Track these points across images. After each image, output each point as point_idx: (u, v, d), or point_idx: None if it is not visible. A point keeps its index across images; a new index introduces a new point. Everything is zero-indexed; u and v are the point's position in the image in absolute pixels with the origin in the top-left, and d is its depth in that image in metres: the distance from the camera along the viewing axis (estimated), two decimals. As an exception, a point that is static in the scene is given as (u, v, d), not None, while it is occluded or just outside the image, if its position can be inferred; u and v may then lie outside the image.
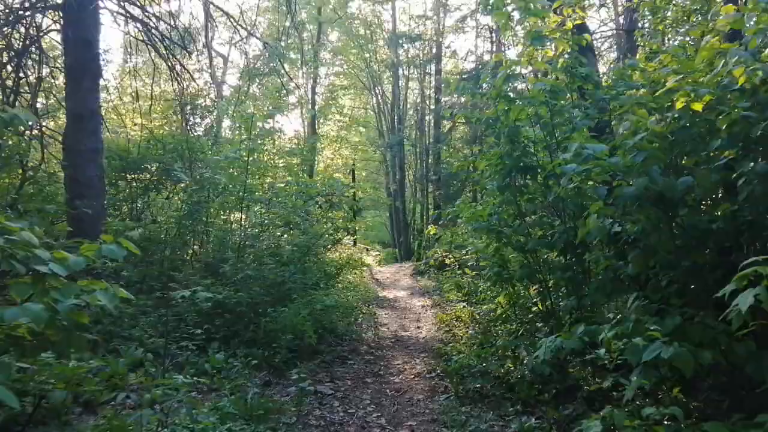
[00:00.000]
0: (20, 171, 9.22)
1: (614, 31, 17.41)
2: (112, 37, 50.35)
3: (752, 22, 4.15)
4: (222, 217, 9.18)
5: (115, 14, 12.57)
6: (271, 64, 13.79)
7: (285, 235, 8.39)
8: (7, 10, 9.68)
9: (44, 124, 10.80)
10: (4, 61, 9.71)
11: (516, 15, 6.55)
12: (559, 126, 6.46)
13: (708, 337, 3.49)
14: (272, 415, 4.81)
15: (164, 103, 12.61)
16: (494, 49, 24.44)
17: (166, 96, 13.33)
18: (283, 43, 21.84)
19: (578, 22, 6.48)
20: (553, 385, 5.31)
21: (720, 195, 4.30)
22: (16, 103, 9.93)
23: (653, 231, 4.17)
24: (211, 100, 17.94)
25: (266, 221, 8.51)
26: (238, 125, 13.03)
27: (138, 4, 11.43)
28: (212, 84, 29.54)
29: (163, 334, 6.92)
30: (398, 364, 6.62)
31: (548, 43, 6.27)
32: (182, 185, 10.16)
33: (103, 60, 11.73)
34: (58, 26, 10.19)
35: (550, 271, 6.50)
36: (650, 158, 3.89)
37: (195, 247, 9.29)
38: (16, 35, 9.90)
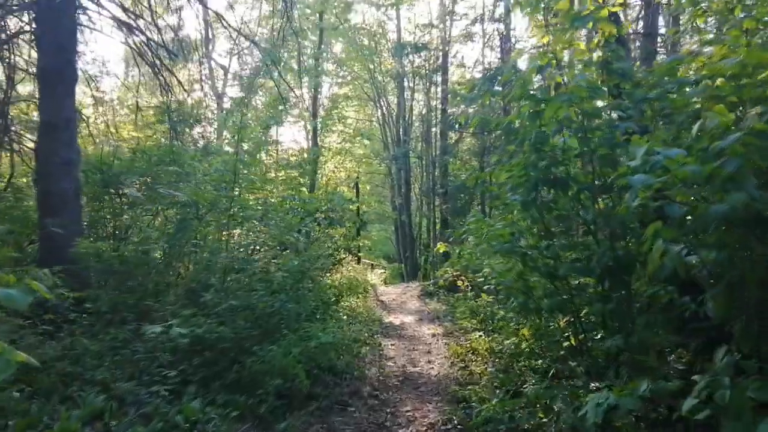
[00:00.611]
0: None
1: (631, 35, 16.46)
2: (108, 48, 49.90)
3: None
4: (210, 237, 8.22)
5: (100, 16, 11.75)
6: (271, 71, 12.89)
7: (277, 258, 7.42)
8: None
9: (14, 130, 9.94)
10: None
11: None
12: (594, 131, 5.49)
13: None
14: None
15: (151, 112, 11.73)
16: (503, 57, 23.54)
17: (156, 106, 12.47)
18: (284, 53, 21.08)
19: (617, 8, 5.53)
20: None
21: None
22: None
23: (743, 261, 3.18)
24: (210, 112, 17.10)
25: (255, 242, 7.53)
26: (232, 136, 12.17)
27: (131, 14, 10.68)
28: (212, 95, 28.85)
29: (132, 376, 5.95)
30: (407, 412, 5.61)
31: (590, 24, 5.29)
32: (169, 201, 9.24)
33: (101, 73, 10.94)
34: (29, 28, 9.37)
35: (586, 301, 5.50)
36: (745, 167, 2.91)
37: (181, 270, 8.33)
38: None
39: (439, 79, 27.64)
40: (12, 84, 9.73)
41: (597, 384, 4.86)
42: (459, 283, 10.31)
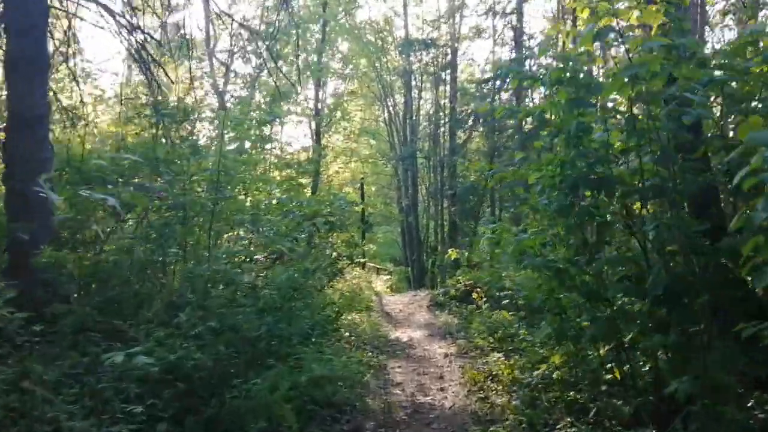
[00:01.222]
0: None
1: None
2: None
3: None
4: (193, 244, 7.28)
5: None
6: (266, 62, 11.97)
7: (267, 270, 6.49)
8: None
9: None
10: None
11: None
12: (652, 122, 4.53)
13: None
14: None
15: (135, 107, 10.80)
16: (517, 51, 22.58)
17: (139, 99, 11.56)
18: (286, 48, 20.18)
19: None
20: None
21: None
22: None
23: None
24: (211, 110, 16.24)
25: (242, 251, 6.57)
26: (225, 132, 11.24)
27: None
28: (213, 92, 27.99)
29: (91, 412, 5.03)
30: (417, 458, 4.65)
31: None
32: (152, 202, 8.33)
33: (99, 70, 10.14)
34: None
35: (638, 329, 4.53)
36: None
37: (164, 281, 7.40)
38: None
39: (448, 76, 26.66)
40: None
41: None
42: (474, 295, 9.35)
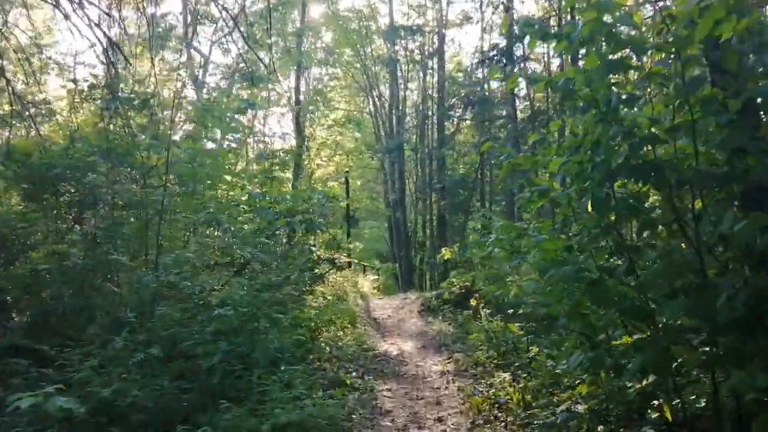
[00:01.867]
0: None
1: None
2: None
3: None
4: (145, 249, 6.16)
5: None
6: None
7: (226, 284, 5.40)
8: None
9: None
10: None
11: None
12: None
13: None
14: None
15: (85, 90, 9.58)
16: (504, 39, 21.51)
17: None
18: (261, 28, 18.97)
19: None
20: None
21: None
22: None
23: None
24: (184, 99, 15.10)
25: (197, 258, 5.44)
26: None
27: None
28: (190, 83, 26.70)
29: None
30: None
31: None
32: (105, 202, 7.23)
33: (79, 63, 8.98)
34: None
35: (696, 358, 3.51)
36: None
37: (116, 290, 6.26)
38: None
39: (435, 65, 25.57)
40: None
41: None
42: (472, 301, 8.30)
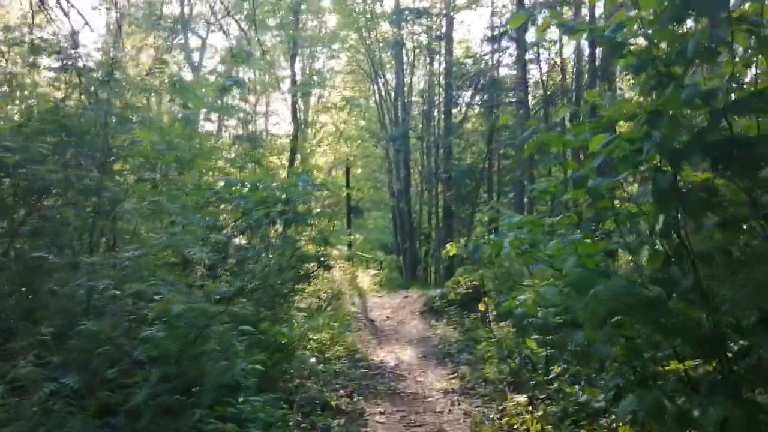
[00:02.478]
0: None
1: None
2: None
3: None
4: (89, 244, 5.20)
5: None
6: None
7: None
8: None
9: None
10: None
11: None
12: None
13: None
14: None
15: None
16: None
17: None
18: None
19: None
20: None
21: None
22: None
23: None
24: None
25: (134, 258, 4.43)
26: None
27: None
28: (188, 67, 25.75)
29: None
30: None
31: None
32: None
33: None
34: None
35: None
36: None
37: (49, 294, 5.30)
38: None
39: (443, 48, 24.41)
40: None
41: None
42: (481, 306, 7.33)
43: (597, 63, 14.65)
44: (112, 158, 6.57)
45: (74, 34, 8.43)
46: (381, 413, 5.30)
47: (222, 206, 6.42)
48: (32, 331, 3.86)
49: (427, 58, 26.37)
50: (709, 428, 2.57)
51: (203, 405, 3.56)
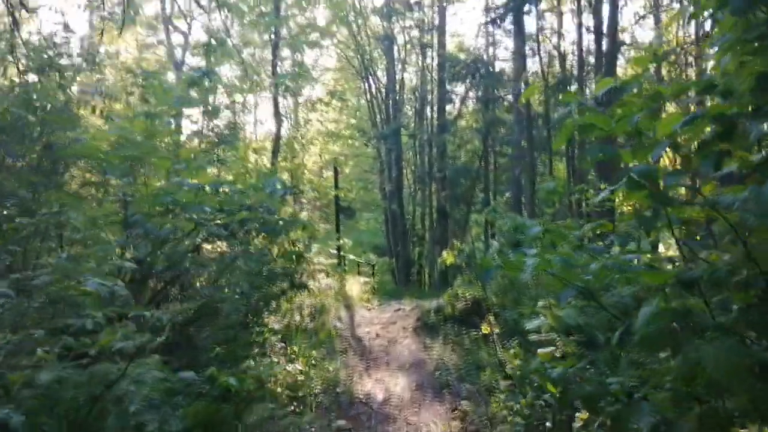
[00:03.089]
0: None
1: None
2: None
3: None
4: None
5: None
6: None
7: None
8: None
9: None
10: None
11: None
12: None
13: None
14: None
15: None
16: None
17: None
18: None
19: None
20: None
21: None
22: None
23: None
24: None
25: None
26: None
27: None
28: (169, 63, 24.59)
29: None
30: None
31: None
32: None
33: None
34: None
35: None
36: None
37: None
38: None
39: (436, 41, 23.37)
40: None
41: None
42: (484, 328, 6.26)
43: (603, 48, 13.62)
44: (51, 159, 5.51)
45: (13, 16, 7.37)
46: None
47: (177, 216, 5.34)
48: None
49: (419, 54, 25.32)
50: None
51: None
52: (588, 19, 17.14)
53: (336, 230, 15.87)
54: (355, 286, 13.21)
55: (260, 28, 17.00)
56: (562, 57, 19.36)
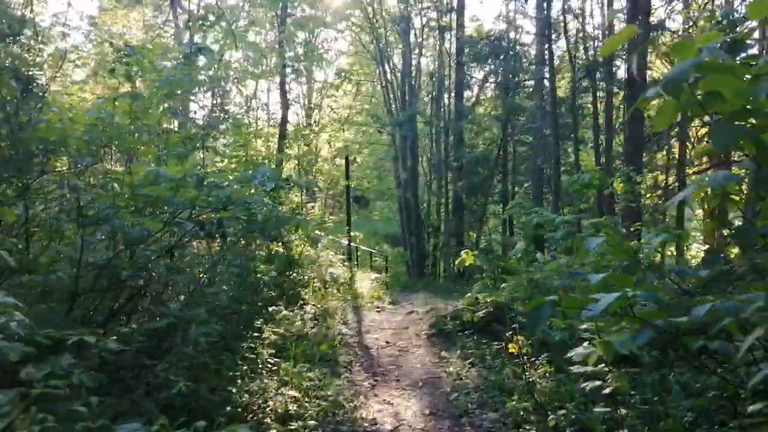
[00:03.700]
0: None
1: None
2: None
3: None
4: None
5: None
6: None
7: None
8: None
9: None
10: None
11: None
12: None
13: None
14: None
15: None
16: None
17: None
18: None
19: None
20: None
21: None
22: None
23: None
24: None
25: None
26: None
27: None
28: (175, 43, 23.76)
29: None
30: None
31: None
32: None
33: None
34: None
35: None
36: None
37: None
38: None
39: (455, 23, 22.24)
40: None
41: None
42: (511, 348, 5.36)
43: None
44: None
45: None
46: None
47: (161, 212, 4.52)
48: None
49: (437, 37, 24.21)
50: None
51: None
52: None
53: (347, 222, 15.01)
54: (365, 282, 12.37)
55: (267, 4, 16.06)
56: (588, 40, 18.25)
